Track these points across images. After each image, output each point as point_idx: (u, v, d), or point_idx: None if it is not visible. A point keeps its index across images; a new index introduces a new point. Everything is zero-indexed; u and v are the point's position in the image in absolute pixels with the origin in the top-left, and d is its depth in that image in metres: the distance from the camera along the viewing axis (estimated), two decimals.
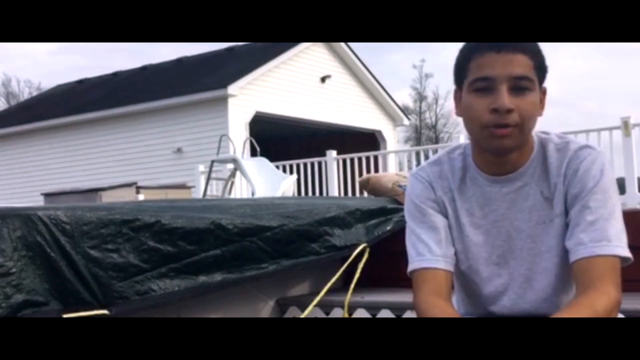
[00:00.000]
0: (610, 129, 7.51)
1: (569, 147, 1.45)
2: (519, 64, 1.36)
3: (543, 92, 1.44)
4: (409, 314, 2.53)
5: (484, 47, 1.38)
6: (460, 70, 1.43)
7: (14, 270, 1.97)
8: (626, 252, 1.37)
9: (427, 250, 1.49)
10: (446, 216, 1.54)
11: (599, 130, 7.59)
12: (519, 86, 1.36)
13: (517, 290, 1.51)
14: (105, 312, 2.11)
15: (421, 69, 52.29)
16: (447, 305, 1.43)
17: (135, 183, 10.02)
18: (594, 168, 1.41)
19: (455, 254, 1.54)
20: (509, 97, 1.35)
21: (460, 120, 1.49)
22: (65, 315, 2.02)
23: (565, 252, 1.42)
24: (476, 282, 1.55)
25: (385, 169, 11.26)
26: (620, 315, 1.58)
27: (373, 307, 2.71)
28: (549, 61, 1.43)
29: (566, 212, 1.44)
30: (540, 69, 1.40)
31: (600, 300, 1.29)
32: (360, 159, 9.39)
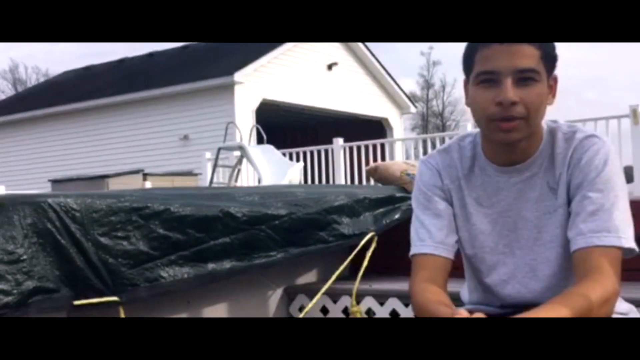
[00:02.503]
0: (619, 117, 7.47)
1: (575, 137, 1.45)
2: (524, 55, 1.35)
3: (554, 80, 1.44)
4: None
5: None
6: (467, 61, 1.43)
7: (25, 257, 1.98)
8: (628, 243, 1.36)
9: (429, 236, 1.52)
10: (452, 204, 1.55)
11: (607, 118, 7.54)
12: (524, 78, 1.36)
13: (521, 280, 1.51)
14: (115, 298, 2.13)
15: (429, 56, 52.18)
16: (440, 292, 1.44)
17: (142, 170, 10.07)
18: (597, 158, 1.40)
19: (460, 241, 1.55)
20: (514, 89, 1.35)
21: (467, 108, 1.49)
22: (76, 302, 2.04)
23: (568, 242, 1.42)
24: (482, 270, 1.56)
25: (392, 156, 11.26)
26: (626, 305, 1.57)
27: (381, 295, 2.72)
28: None
29: (569, 202, 1.44)
30: (548, 59, 1.39)
31: (594, 290, 1.29)
32: (367, 147, 9.38)
